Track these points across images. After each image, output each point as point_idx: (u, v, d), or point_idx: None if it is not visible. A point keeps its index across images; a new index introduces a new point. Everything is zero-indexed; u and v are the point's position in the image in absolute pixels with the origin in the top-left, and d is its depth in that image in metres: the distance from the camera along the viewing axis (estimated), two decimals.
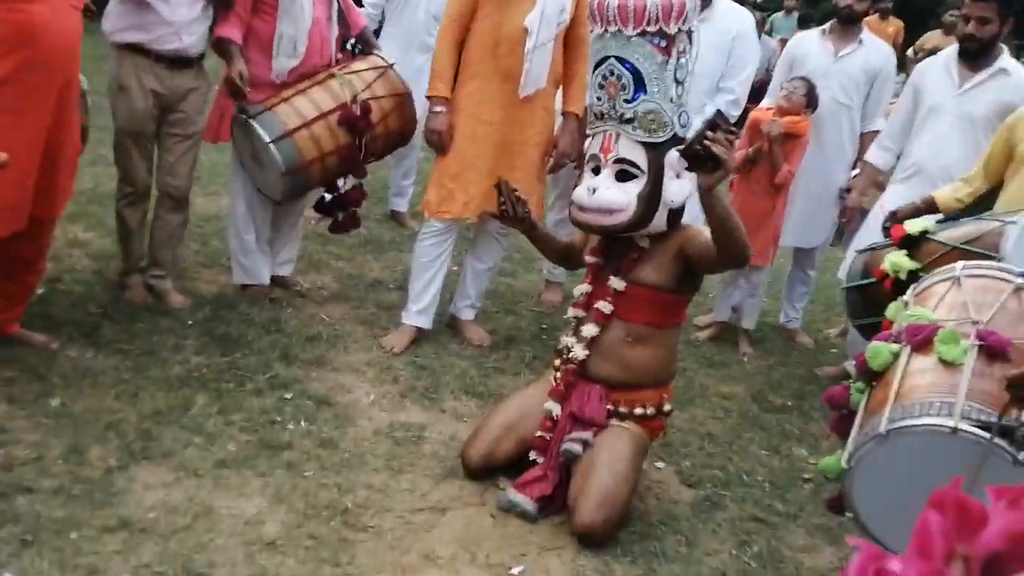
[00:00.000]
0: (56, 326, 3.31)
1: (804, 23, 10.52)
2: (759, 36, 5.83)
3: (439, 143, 3.56)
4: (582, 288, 2.87)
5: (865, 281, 3.04)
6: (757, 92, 4.94)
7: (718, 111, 2.55)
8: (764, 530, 2.81)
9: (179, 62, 3.46)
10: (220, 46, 3.50)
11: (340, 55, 3.81)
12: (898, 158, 4.10)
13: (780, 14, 12.87)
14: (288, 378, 3.25)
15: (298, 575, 2.24)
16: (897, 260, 2.78)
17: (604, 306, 2.75)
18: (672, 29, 2.58)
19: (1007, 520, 0.56)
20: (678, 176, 2.64)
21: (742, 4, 4.58)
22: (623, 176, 2.67)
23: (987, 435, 1.83)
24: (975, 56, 3.73)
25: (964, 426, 1.86)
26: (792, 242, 4.62)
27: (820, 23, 5.03)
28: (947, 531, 0.57)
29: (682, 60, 2.63)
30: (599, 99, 2.72)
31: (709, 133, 2.34)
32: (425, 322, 3.77)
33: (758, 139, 4.21)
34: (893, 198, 3.75)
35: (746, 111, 4.50)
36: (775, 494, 3.05)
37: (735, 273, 4.44)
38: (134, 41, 3.38)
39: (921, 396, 2.00)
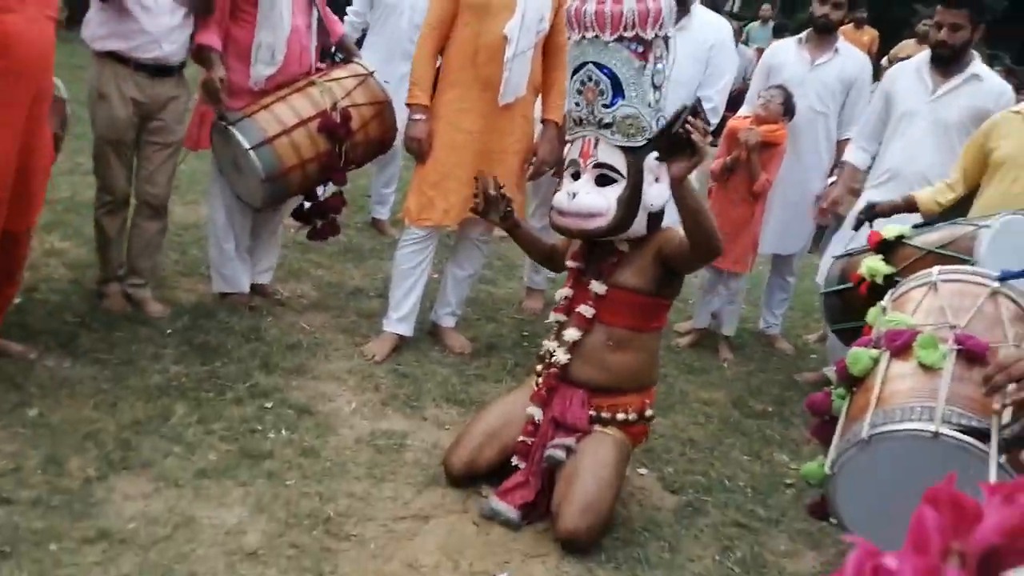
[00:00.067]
0: (33, 336, 3.27)
1: (779, 32, 10.63)
2: (736, 45, 5.88)
3: (418, 151, 3.57)
4: (563, 292, 2.88)
5: (842, 286, 3.07)
6: (734, 101, 4.98)
7: (697, 98, 2.57)
8: (746, 535, 2.83)
9: (160, 71, 3.44)
10: (200, 53, 3.49)
11: (322, 64, 3.81)
12: (873, 159, 4.15)
13: (756, 24, 13.02)
14: (268, 387, 3.23)
15: None
16: (873, 264, 2.81)
17: (586, 310, 2.76)
18: (649, 35, 2.60)
19: (1003, 515, 0.57)
20: (657, 180, 2.66)
21: (719, 14, 4.63)
22: (603, 180, 2.69)
23: (968, 439, 1.85)
24: (948, 62, 3.79)
25: (945, 430, 1.88)
26: (770, 249, 4.66)
27: (795, 33, 5.08)
28: (943, 527, 0.58)
29: (659, 66, 2.66)
30: (577, 105, 2.74)
31: (691, 118, 2.36)
32: (406, 330, 3.76)
33: (736, 148, 4.25)
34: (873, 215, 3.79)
35: (724, 120, 4.53)
36: (757, 499, 3.06)
37: (714, 280, 4.47)
38: (114, 49, 3.36)
39: (902, 401, 2.02)
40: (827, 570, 2.70)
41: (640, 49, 2.61)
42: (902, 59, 7.94)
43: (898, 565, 0.57)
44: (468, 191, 3.35)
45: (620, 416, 2.76)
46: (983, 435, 1.86)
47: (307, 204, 3.93)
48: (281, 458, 2.79)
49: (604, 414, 2.76)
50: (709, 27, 4.23)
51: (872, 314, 2.47)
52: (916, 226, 3.00)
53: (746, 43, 11.65)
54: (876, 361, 2.18)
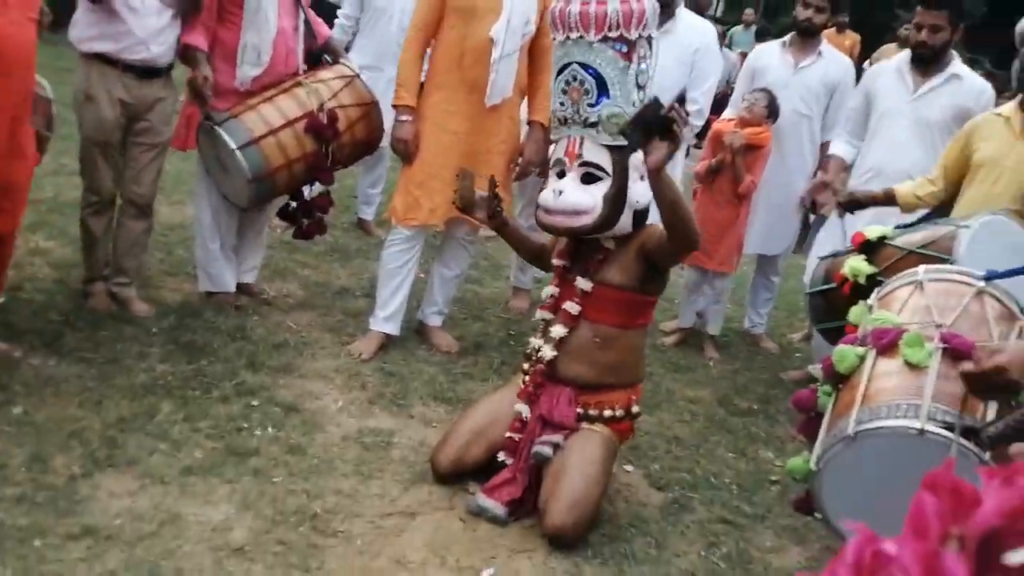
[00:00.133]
0: (18, 335, 3.26)
1: (762, 36, 10.70)
2: (720, 49, 5.91)
3: (405, 152, 3.57)
4: (549, 290, 2.90)
5: (827, 286, 3.10)
6: (718, 104, 5.02)
7: (684, 89, 2.59)
8: (732, 531, 2.84)
9: (147, 72, 3.44)
10: (187, 53, 3.49)
11: (309, 67, 3.81)
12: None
13: (739, 28, 13.11)
14: (255, 385, 3.22)
15: None
16: (856, 265, 2.84)
17: (572, 307, 2.78)
18: (633, 35, 2.64)
19: (1002, 497, 0.58)
20: (642, 178, 2.69)
21: (703, 18, 4.67)
22: (588, 179, 2.71)
23: (953, 435, 1.87)
24: (928, 63, 3.84)
25: (931, 427, 1.91)
26: (755, 249, 4.69)
27: (777, 37, 5.12)
28: (942, 512, 0.58)
29: (643, 66, 2.69)
30: (562, 104, 2.76)
31: (676, 105, 2.38)
32: (393, 328, 3.76)
33: (721, 150, 4.28)
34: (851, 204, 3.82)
35: (708, 122, 4.56)
36: (742, 496, 3.08)
37: (700, 280, 4.50)
38: (102, 51, 3.35)
39: (888, 398, 2.04)
40: (812, 565, 2.72)
41: (624, 49, 2.65)
42: None
43: (897, 550, 0.58)
44: (453, 191, 3.36)
45: (607, 413, 2.78)
46: (968, 432, 1.89)
47: (293, 204, 3.93)
48: (267, 455, 2.79)
49: (591, 411, 2.77)
50: (694, 31, 4.27)
51: (856, 312, 2.49)
52: (899, 227, 3.04)
53: (729, 47, 11.72)
54: (862, 359, 2.20)
